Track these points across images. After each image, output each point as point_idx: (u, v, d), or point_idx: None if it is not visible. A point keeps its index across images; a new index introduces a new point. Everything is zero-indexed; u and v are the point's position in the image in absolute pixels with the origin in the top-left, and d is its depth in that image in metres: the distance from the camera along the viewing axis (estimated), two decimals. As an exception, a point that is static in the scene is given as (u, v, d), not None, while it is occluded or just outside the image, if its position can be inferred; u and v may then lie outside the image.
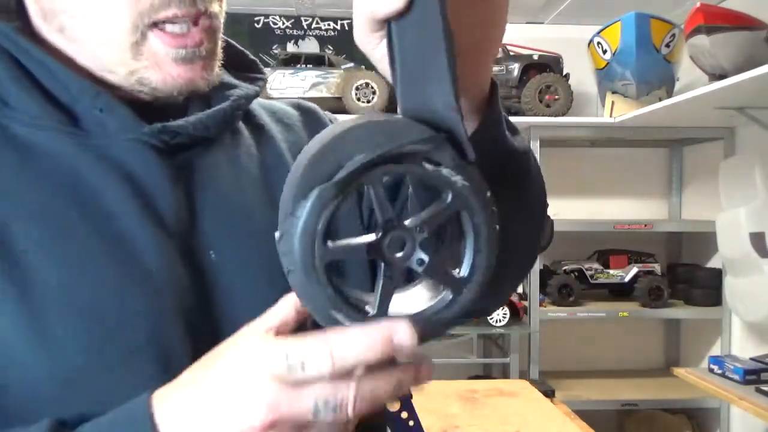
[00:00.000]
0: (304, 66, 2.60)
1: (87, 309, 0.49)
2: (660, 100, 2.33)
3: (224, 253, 0.57)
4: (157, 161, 0.55)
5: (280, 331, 0.41)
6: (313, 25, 2.98)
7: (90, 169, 0.53)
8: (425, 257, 0.39)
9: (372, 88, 2.56)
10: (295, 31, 2.97)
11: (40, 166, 0.52)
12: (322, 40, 2.98)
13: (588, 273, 2.77)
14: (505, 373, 2.80)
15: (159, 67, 0.54)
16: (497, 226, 0.40)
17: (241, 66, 0.68)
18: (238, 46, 0.68)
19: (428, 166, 0.39)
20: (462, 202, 0.39)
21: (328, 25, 2.98)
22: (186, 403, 0.41)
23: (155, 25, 0.53)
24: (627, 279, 2.76)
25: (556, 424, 1.64)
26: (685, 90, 2.10)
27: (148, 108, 0.56)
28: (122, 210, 0.53)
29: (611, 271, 2.79)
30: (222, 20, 0.58)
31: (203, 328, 0.54)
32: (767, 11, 2.08)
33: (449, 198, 0.39)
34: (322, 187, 0.37)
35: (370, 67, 2.71)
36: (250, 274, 0.58)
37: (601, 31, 2.49)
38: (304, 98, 2.83)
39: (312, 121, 0.74)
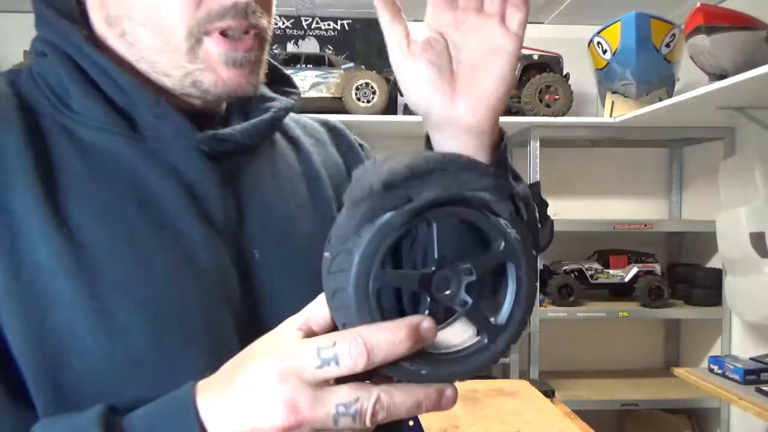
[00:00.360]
0: (304, 66, 2.60)
1: (148, 300, 0.52)
2: (660, 100, 2.33)
3: (267, 254, 0.61)
4: (208, 166, 0.59)
5: (306, 333, 0.42)
6: (313, 25, 2.98)
7: (147, 171, 0.57)
8: (469, 300, 0.41)
9: (372, 88, 2.56)
10: (295, 31, 2.97)
11: (104, 167, 0.56)
12: (322, 40, 2.98)
13: (588, 273, 2.77)
14: (505, 373, 2.80)
15: (212, 69, 0.58)
16: (537, 284, 0.43)
17: (275, 80, 0.71)
18: (273, 61, 0.71)
19: (488, 215, 0.41)
20: (512, 253, 0.41)
21: (328, 25, 2.98)
22: (222, 399, 0.42)
23: (209, 32, 0.57)
24: (627, 279, 2.76)
25: (556, 424, 1.64)
26: (685, 90, 2.10)
27: (196, 117, 0.60)
28: (177, 210, 0.57)
29: (611, 271, 2.79)
30: (270, 34, 0.63)
31: (249, 324, 0.56)
32: (767, 11, 2.08)
33: (501, 247, 0.41)
34: (394, 213, 0.38)
35: (370, 67, 2.71)
36: (291, 274, 0.61)
37: (601, 31, 2.49)
38: (304, 98, 2.83)
39: (338, 139, 0.81)
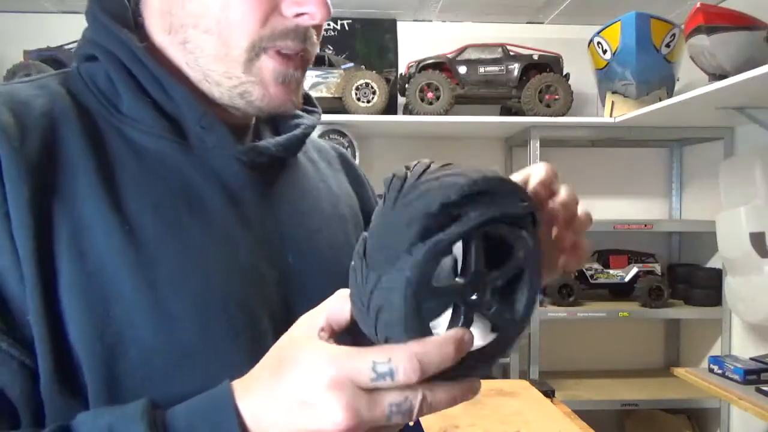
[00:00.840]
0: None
1: (198, 294, 0.55)
2: (660, 100, 2.33)
3: (301, 260, 0.65)
4: (247, 175, 0.63)
5: (330, 333, 0.46)
6: (313, 25, 2.98)
7: (193, 173, 0.60)
8: (496, 306, 0.45)
9: (372, 88, 2.56)
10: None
11: (154, 167, 0.59)
12: (322, 40, 2.97)
13: (588, 273, 2.77)
14: (505, 373, 2.80)
15: (263, 84, 0.61)
16: (540, 285, 0.48)
17: None
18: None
19: (514, 228, 0.44)
20: (531, 261, 0.45)
21: (328, 25, 2.98)
22: (269, 400, 0.44)
23: (267, 49, 0.60)
24: (627, 279, 2.76)
25: (556, 424, 1.64)
26: (685, 90, 2.10)
27: (233, 130, 0.64)
28: (221, 213, 0.60)
29: (611, 271, 2.79)
30: (312, 58, 0.66)
31: (284, 325, 0.57)
32: (767, 11, 2.08)
33: (522, 255, 0.45)
34: (446, 235, 0.40)
35: (370, 67, 2.71)
36: (323, 281, 0.62)
37: (601, 31, 2.49)
38: (304, 98, 2.83)
39: (348, 168, 0.85)
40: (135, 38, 0.60)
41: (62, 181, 0.54)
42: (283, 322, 0.58)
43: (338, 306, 0.46)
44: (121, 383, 0.52)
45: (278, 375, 0.44)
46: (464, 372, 0.43)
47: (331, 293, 0.52)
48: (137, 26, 0.64)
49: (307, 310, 0.58)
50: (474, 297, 0.44)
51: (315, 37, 0.63)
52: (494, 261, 0.45)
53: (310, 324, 0.46)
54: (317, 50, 0.66)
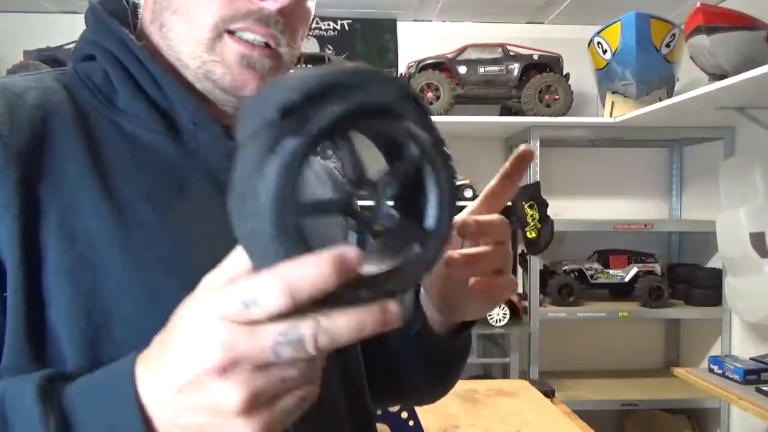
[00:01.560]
0: (304, 66, 2.60)
1: (188, 278, 0.52)
2: (660, 100, 2.33)
3: None
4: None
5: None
6: (313, 25, 2.98)
7: (185, 166, 0.61)
8: (395, 213, 0.40)
9: (372, 88, 2.56)
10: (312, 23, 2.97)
11: (146, 157, 0.60)
12: (322, 40, 2.98)
13: (588, 273, 2.77)
14: (505, 373, 2.81)
15: (226, 64, 0.61)
16: (456, 184, 0.42)
17: None
18: None
19: (394, 121, 0.39)
20: (428, 157, 0.39)
21: (328, 25, 2.98)
22: (154, 356, 0.42)
23: (233, 32, 0.60)
24: (627, 279, 2.76)
25: (556, 424, 1.64)
26: (685, 90, 2.10)
27: (225, 128, 0.64)
28: (211, 201, 0.60)
29: (611, 271, 2.79)
30: (289, 62, 0.65)
31: None
32: (767, 11, 2.08)
33: (414, 151, 0.39)
34: (295, 140, 0.36)
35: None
36: None
37: (601, 31, 2.49)
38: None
39: None
40: (133, 38, 0.62)
41: (51, 167, 0.55)
42: None
43: (235, 257, 0.41)
44: (103, 362, 0.50)
45: (165, 333, 0.42)
46: (368, 297, 0.37)
47: None
48: (136, 28, 0.66)
49: None
50: (371, 211, 0.39)
51: (284, 27, 0.62)
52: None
53: (207, 278, 0.43)
54: (294, 52, 0.65)
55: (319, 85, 0.36)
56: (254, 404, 0.37)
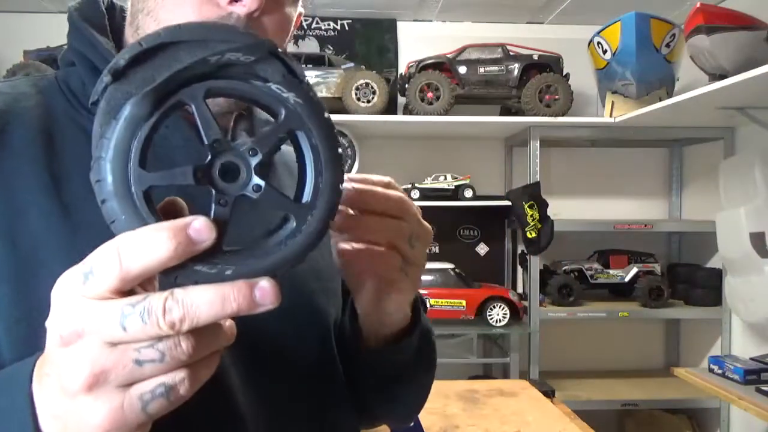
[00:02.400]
0: (304, 66, 2.60)
1: None
2: (660, 100, 2.33)
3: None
4: None
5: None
6: (313, 25, 2.98)
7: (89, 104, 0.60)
8: (261, 182, 0.36)
9: (372, 87, 2.56)
10: (294, 31, 2.97)
11: None
12: (322, 40, 2.98)
13: (588, 273, 2.77)
14: (505, 373, 2.80)
15: None
16: (339, 147, 0.38)
17: None
18: None
19: (255, 82, 0.36)
20: (297, 120, 0.36)
21: (328, 25, 2.98)
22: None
23: None
24: (627, 279, 2.76)
25: (556, 424, 1.64)
26: (685, 90, 2.10)
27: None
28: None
29: (611, 271, 2.79)
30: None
31: (249, 341, 0.55)
32: (767, 11, 2.08)
33: (282, 116, 0.36)
34: (133, 101, 0.34)
35: (370, 67, 2.71)
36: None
37: (601, 31, 2.49)
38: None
39: None
40: (110, 43, 0.62)
41: (3, 169, 0.55)
42: (248, 354, 0.58)
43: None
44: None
45: None
46: (240, 270, 0.35)
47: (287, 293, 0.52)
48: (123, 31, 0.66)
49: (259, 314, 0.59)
50: (236, 181, 0.36)
51: (264, 30, 0.60)
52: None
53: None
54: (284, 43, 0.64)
55: (157, 43, 0.34)
56: (99, 382, 0.34)
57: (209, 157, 0.35)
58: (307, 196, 0.37)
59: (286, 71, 0.36)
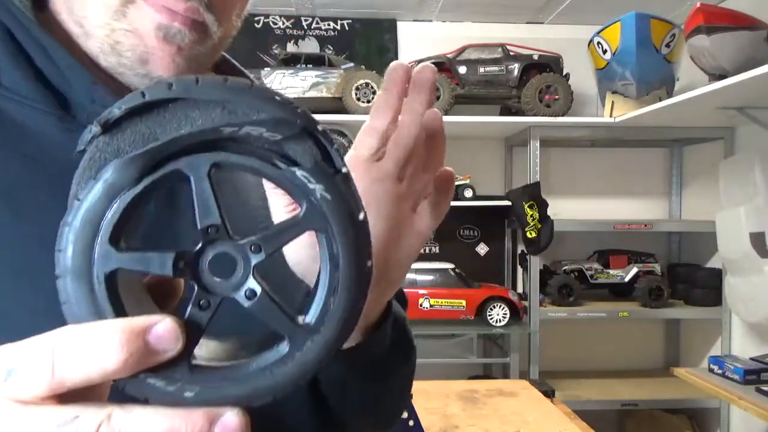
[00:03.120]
0: (304, 66, 2.60)
1: (42, 295, 0.40)
2: (660, 100, 2.33)
3: None
4: None
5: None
6: (313, 25, 2.98)
7: (72, 153, 0.51)
8: (258, 288, 0.29)
9: (372, 88, 2.56)
10: (295, 31, 2.97)
11: (20, 142, 0.50)
12: (322, 40, 2.98)
13: (588, 273, 2.77)
14: (505, 373, 2.80)
15: (138, 34, 0.51)
16: (367, 262, 0.29)
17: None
18: (238, 65, 0.65)
19: (279, 163, 0.29)
20: (319, 220, 0.29)
21: (328, 25, 2.98)
22: None
23: None
24: (627, 279, 2.76)
25: (556, 424, 1.64)
26: (685, 90, 2.10)
27: None
28: None
29: (611, 271, 2.79)
30: (222, 42, 0.56)
31: None
32: (767, 11, 2.08)
33: (303, 212, 0.29)
34: (119, 162, 0.27)
35: (370, 67, 2.71)
36: None
37: (601, 31, 2.49)
38: (303, 98, 2.83)
39: None
40: (25, 8, 0.54)
41: None
42: None
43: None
44: None
45: None
46: (204, 395, 0.28)
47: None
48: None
49: None
50: (228, 278, 0.29)
51: (209, 2, 0.53)
52: None
53: None
54: (228, 31, 0.57)
55: (161, 98, 0.28)
56: None
57: (200, 244, 0.29)
58: (311, 316, 0.29)
59: (320, 157, 0.29)
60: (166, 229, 0.51)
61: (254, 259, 0.29)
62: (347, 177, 0.29)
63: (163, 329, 0.27)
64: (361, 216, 0.29)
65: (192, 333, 0.28)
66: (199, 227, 0.29)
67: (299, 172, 0.29)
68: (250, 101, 0.28)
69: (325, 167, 0.29)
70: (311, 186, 0.28)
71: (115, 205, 0.28)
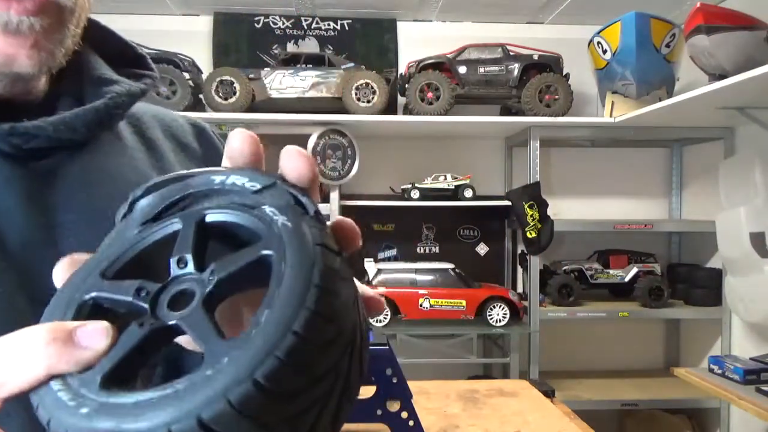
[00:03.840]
0: (304, 66, 2.60)
1: None
2: (660, 100, 2.33)
3: None
4: (5, 170, 0.46)
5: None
6: (313, 25, 2.98)
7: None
8: (197, 304, 0.28)
9: (372, 87, 2.56)
10: (295, 31, 2.97)
11: None
12: (322, 40, 2.98)
13: (588, 273, 2.77)
14: (505, 373, 2.81)
15: None
16: (311, 289, 0.26)
17: (124, 61, 0.58)
18: (124, 37, 0.60)
19: (249, 207, 0.31)
20: (273, 241, 0.28)
21: (328, 25, 2.98)
22: None
23: None
24: (627, 279, 2.76)
25: (556, 424, 1.64)
26: (685, 90, 2.10)
27: (4, 108, 0.48)
28: None
29: (611, 271, 2.79)
30: (76, 6, 0.49)
31: None
32: (767, 11, 2.08)
33: (262, 236, 0.29)
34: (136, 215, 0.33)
35: (370, 67, 2.71)
36: None
37: (601, 31, 2.49)
38: (304, 98, 2.82)
39: (209, 149, 0.67)
40: None
41: None
42: None
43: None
44: None
45: None
46: (106, 423, 0.24)
47: None
48: None
49: None
50: (181, 311, 0.28)
51: None
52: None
53: None
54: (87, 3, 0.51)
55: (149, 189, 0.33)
56: None
57: (170, 278, 0.29)
58: (245, 332, 0.25)
59: (293, 201, 0.31)
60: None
61: (209, 286, 0.28)
62: (316, 216, 0.31)
63: (92, 327, 0.26)
64: (319, 249, 0.28)
65: (123, 349, 0.27)
66: (169, 262, 0.30)
67: (268, 209, 0.30)
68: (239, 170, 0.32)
69: (295, 208, 0.30)
70: (276, 217, 0.29)
71: (127, 242, 0.32)
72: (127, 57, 0.59)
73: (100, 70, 0.54)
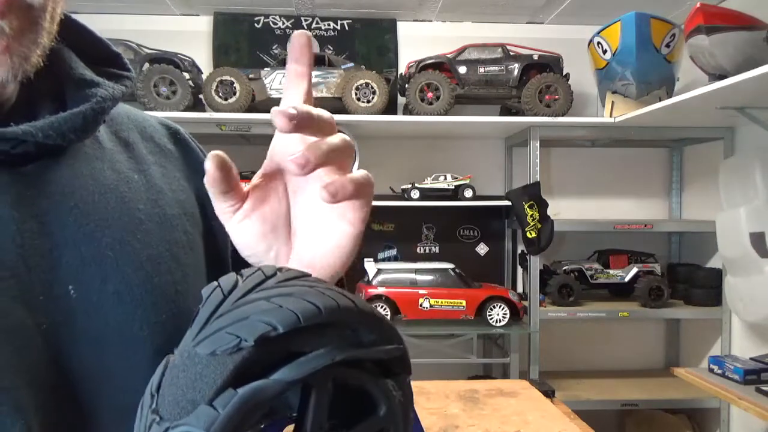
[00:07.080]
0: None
1: None
2: (660, 100, 2.33)
3: (88, 290, 0.46)
4: None
5: None
6: (313, 25, 2.98)
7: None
8: None
9: (372, 88, 2.56)
10: (295, 31, 2.97)
11: None
12: (322, 40, 2.98)
13: (588, 273, 2.77)
14: (505, 373, 2.80)
15: None
16: None
17: (101, 60, 0.56)
18: (97, 33, 0.57)
19: (378, 377, 0.34)
20: (393, 419, 0.34)
21: (328, 25, 2.98)
22: None
23: None
24: (627, 279, 2.76)
25: (556, 424, 1.64)
26: (685, 90, 2.10)
27: None
28: None
29: (611, 271, 2.79)
30: (48, 6, 0.46)
31: (56, 381, 0.43)
32: (767, 11, 2.08)
33: (383, 412, 0.34)
34: (268, 383, 0.30)
35: (370, 67, 2.71)
36: (125, 312, 0.47)
37: (601, 31, 2.49)
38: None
39: (186, 154, 0.64)
40: None
41: None
42: (50, 397, 0.42)
43: None
44: None
45: None
46: None
47: (139, 344, 0.41)
48: None
49: (94, 359, 0.44)
50: None
51: None
52: (343, 411, 0.34)
53: None
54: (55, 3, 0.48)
55: (312, 323, 0.31)
56: None
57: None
58: None
59: (403, 371, 0.36)
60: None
61: None
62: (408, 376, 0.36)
63: None
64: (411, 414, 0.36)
65: None
66: (308, 428, 0.32)
67: (390, 383, 0.34)
68: (374, 327, 0.34)
69: (403, 380, 0.35)
70: (395, 393, 0.34)
71: (251, 416, 0.30)
72: (101, 55, 0.56)
73: (79, 71, 0.52)
